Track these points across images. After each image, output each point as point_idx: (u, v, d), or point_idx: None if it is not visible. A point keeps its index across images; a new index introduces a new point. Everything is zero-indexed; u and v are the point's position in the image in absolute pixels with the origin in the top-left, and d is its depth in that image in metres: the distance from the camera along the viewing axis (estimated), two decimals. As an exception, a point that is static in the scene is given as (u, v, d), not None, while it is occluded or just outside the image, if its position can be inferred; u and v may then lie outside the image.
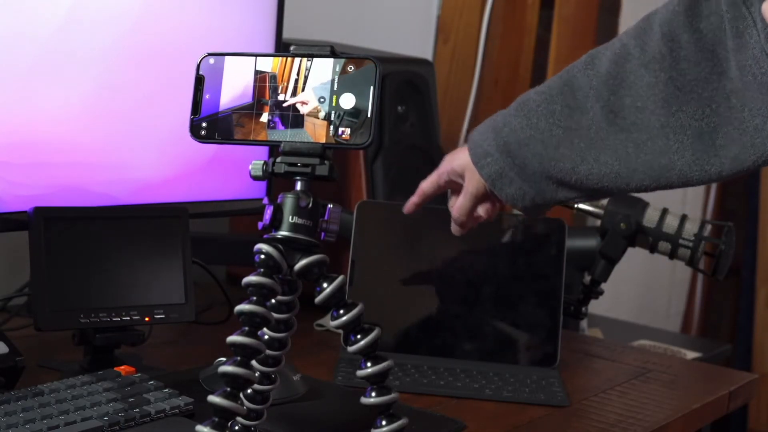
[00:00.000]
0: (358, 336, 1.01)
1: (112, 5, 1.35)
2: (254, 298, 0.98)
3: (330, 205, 1.02)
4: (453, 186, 1.36)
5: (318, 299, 1.01)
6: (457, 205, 1.35)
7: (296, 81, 1.02)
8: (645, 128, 1.17)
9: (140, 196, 1.41)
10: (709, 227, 1.59)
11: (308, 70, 1.02)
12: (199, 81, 1.04)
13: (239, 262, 1.71)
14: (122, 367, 1.23)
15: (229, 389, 0.96)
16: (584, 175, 1.21)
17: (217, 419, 0.95)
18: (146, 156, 1.42)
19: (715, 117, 1.13)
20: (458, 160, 1.33)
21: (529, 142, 1.23)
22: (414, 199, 1.40)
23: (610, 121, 1.18)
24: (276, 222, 1.01)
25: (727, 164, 1.14)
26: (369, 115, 1.00)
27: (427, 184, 1.38)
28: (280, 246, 1.00)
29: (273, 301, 1.02)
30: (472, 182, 1.30)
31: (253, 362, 0.99)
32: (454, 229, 1.38)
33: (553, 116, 1.22)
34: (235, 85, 1.03)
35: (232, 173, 1.51)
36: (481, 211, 1.35)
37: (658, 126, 1.16)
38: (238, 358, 0.96)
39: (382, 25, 2.21)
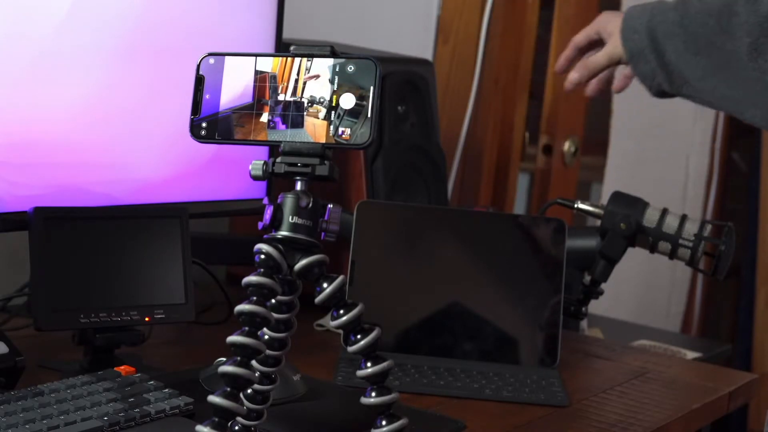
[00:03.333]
0: (358, 336, 1.01)
1: (113, 5, 1.35)
2: (254, 298, 0.98)
3: (330, 205, 1.02)
4: (600, 41, 1.47)
5: (318, 299, 1.01)
6: (592, 59, 1.47)
7: (296, 81, 1.02)
8: None
9: (140, 196, 1.41)
10: (709, 227, 1.59)
11: (308, 70, 1.02)
12: (199, 81, 1.04)
13: (239, 262, 1.72)
14: (122, 367, 1.23)
15: (229, 389, 0.96)
16: (709, 88, 1.32)
17: (217, 419, 0.95)
18: (146, 156, 1.42)
19: None
20: (611, 23, 1.44)
21: (674, 38, 1.33)
22: (567, 53, 1.53)
23: (752, 58, 1.27)
24: (276, 222, 1.01)
25: None
26: (369, 115, 1.00)
27: (579, 36, 1.51)
28: (280, 246, 1.00)
29: (273, 301, 1.02)
30: (614, 47, 1.42)
31: (253, 362, 0.99)
32: (572, 76, 1.50)
33: (705, 27, 1.31)
34: (235, 85, 1.03)
35: (232, 173, 1.51)
36: (604, 74, 1.48)
37: None
38: (238, 358, 0.96)
39: (382, 25, 2.21)
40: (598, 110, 2.83)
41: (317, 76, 1.02)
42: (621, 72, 1.51)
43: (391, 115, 1.72)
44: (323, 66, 1.02)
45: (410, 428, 1.03)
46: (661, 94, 1.42)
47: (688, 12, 1.34)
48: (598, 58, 1.47)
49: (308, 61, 1.02)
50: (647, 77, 1.39)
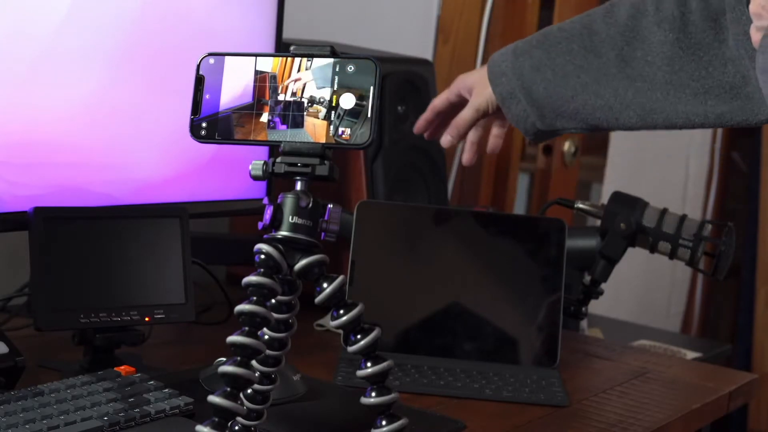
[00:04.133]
0: (358, 336, 1.01)
1: (113, 5, 1.35)
2: (254, 298, 0.98)
3: (330, 205, 1.02)
4: (462, 102, 1.47)
5: (318, 299, 1.01)
6: (459, 116, 1.46)
7: (296, 81, 1.02)
8: (649, 80, 1.28)
9: (140, 196, 1.41)
10: (709, 227, 1.59)
11: (308, 70, 1.02)
12: (199, 81, 1.04)
13: (239, 262, 1.72)
14: (122, 367, 1.23)
15: (229, 389, 0.96)
16: (581, 105, 1.33)
17: (217, 419, 0.95)
18: (146, 156, 1.42)
19: (710, 80, 1.25)
20: (470, 77, 1.45)
21: (542, 69, 1.35)
22: (426, 116, 1.51)
23: (620, 69, 1.30)
24: (276, 222, 1.01)
25: (711, 119, 1.27)
26: (369, 115, 1.00)
27: (438, 100, 1.50)
28: (280, 246, 1.00)
29: (273, 301, 1.02)
30: (480, 97, 1.42)
31: (253, 362, 0.99)
32: (444, 139, 1.48)
33: (570, 54, 1.34)
34: (235, 85, 1.03)
35: (232, 173, 1.51)
36: (474, 135, 1.47)
37: (662, 81, 1.28)
38: (238, 358, 0.97)
39: (382, 25, 2.21)
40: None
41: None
42: (492, 133, 1.50)
43: (391, 115, 1.72)
44: (323, 66, 1.02)
45: (410, 428, 1.03)
46: (537, 135, 1.42)
47: (550, 43, 1.36)
48: (464, 113, 1.45)
49: (308, 61, 1.02)
50: (520, 119, 1.40)
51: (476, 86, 1.43)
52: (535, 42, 1.39)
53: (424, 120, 1.50)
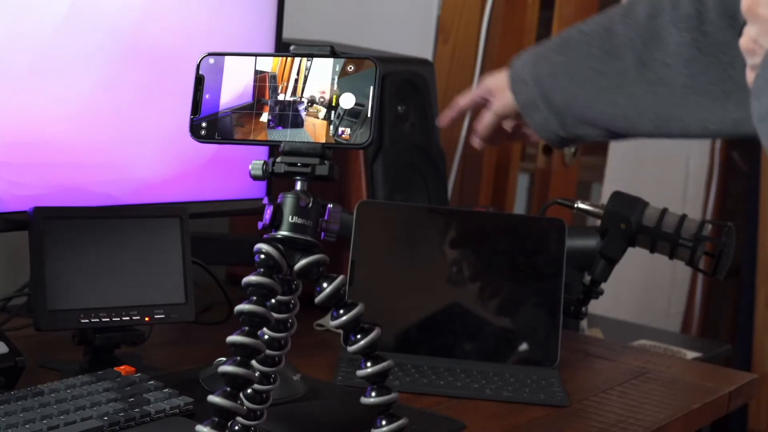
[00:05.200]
0: (358, 336, 1.01)
1: (112, 5, 1.35)
2: (254, 298, 0.98)
3: (330, 205, 1.02)
4: (485, 103, 1.46)
5: (318, 299, 1.01)
6: (483, 121, 1.46)
7: (296, 81, 1.02)
8: (669, 84, 1.24)
9: (140, 196, 1.41)
10: (709, 227, 1.59)
11: (308, 70, 1.02)
12: (199, 81, 1.04)
13: (239, 262, 1.71)
14: (122, 367, 1.23)
15: (229, 389, 0.96)
16: (598, 113, 1.30)
17: (217, 419, 0.95)
18: (146, 156, 1.42)
19: (731, 83, 1.19)
20: (494, 81, 1.43)
21: (560, 76, 1.32)
22: (450, 113, 1.52)
23: (640, 73, 1.26)
24: (276, 222, 1.01)
25: (727, 126, 1.21)
26: (369, 115, 1.00)
27: (463, 99, 1.50)
28: (280, 246, 1.00)
29: (273, 301, 1.02)
30: (501, 102, 1.41)
31: (253, 362, 0.99)
32: (475, 141, 1.50)
33: (590, 58, 1.30)
34: (235, 85, 1.03)
35: (232, 173, 1.51)
36: (507, 126, 1.45)
37: (681, 85, 1.23)
38: (238, 358, 0.97)
39: (382, 25, 2.21)
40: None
41: (317, 77, 1.02)
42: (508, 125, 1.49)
43: (391, 115, 1.72)
44: (323, 66, 1.02)
45: (410, 428, 1.03)
46: (561, 142, 1.40)
47: (571, 48, 1.33)
48: (486, 119, 1.45)
49: (308, 61, 1.02)
50: (542, 127, 1.37)
51: (498, 91, 1.42)
52: (555, 46, 1.36)
53: (448, 117, 1.53)
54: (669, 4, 1.24)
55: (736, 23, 1.17)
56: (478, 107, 1.48)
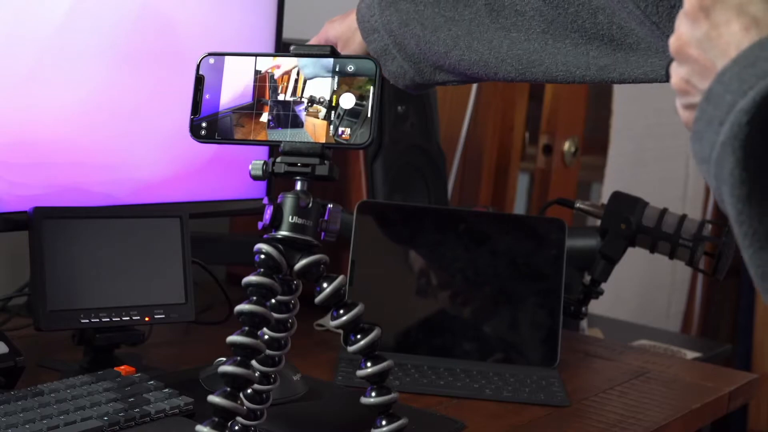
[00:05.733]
0: (358, 336, 1.01)
1: (112, 5, 1.35)
2: (254, 298, 0.98)
3: (330, 205, 1.02)
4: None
5: (318, 299, 1.01)
6: None
7: (296, 81, 1.02)
8: (524, 30, 1.21)
9: (140, 196, 1.41)
10: (709, 227, 1.59)
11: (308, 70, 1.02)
12: (199, 81, 1.04)
13: (239, 262, 1.71)
14: (122, 367, 1.23)
15: (229, 389, 0.96)
16: (456, 60, 1.25)
17: (217, 419, 0.95)
18: (146, 156, 1.42)
19: (590, 32, 1.17)
20: (333, 30, 1.34)
21: (410, 24, 1.26)
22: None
23: (492, 18, 1.22)
24: (276, 222, 1.01)
25: (593, 71, 1.19)
26: (369, 115, 1.00)
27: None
28: (280, 246, 1.00)
29: (273, 301, 1.02)
30: (351, 50, 1.31)
31: (253, 362, 0.99)
32: None
33: (438, 5, 1.25)
34: (235, 85, 1.03)
35: (232, 173, 1.51)
36: None
37: (538, 31, 1.20)
38: (238, 358, 0.97)
39: (382, 25, 2.21)
40: (598, 110, 2.83)
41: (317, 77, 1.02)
42: None
43: (391, 115, 1.72)
44: (323, 66, 1.02)
45: (410, 428, 1.03)
46: (418, 88, 1.35)
47: None
48: None
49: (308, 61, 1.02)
50: (398, 75, 1.32)
51: (340, 39, 1.33)
52: None
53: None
54: None
55: None
56: None
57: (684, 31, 0.81)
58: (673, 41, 0.83)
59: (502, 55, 1.23)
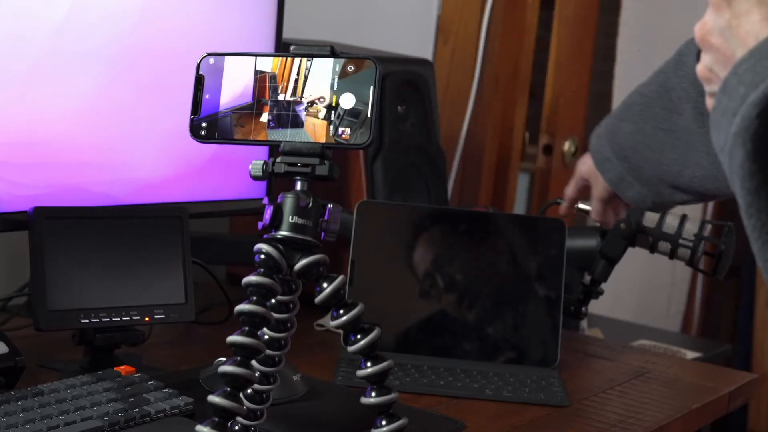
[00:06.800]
0: (358, 336, 1.01)
1: (112, 5, 1.35)
2: (254, 298, 0.98)
3: (330, 205, 1.02)
4: (588, 187, 1.44)
5: (318, 299, 1.01)
6: (593, 209, 1.44)
7: (296, 81, 1.02)
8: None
9: (140, 196, 1.41)
10: (709, 227, 1.59)
11: (308, 70, 1.02)
12: (199, 81, 1.04)
13: (239, 262, 1.71)
14: (122, 367, 1.23)
15: (229, 389, 0.96)
16: (689, 178, 1.24)
17: (217, 419, 0.95)
18: (146, 156, 1.42)
19: None
20: (584, 165, 1.40)
21: (639, 148, 1.27)
22: (565, 205, 1.51)
23: (700, 123, 1.20)
24: (276, 222, 1.01)
25: None
26: (369, 115, 1.00)
27: (569, 190, 1.49)
28: (280, 246, 1.00)
29: (273, 301, 1.02)
30: (597, 187, 1.38)
31: (253, 362, 0.99)
32: (602, 223, 1.46)
33: (655, 120, 1.25)
34: (235, 85, 1.03)
35: (232, 173, 1.51)
36: (614, 207, 1.42)
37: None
38: (238, 358, 0.97)
39: (382, 25, 2.21)
40: (599, 110, 2.82)
41: (317, 77, 1.02)
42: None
43: (391, 115, 1.72)
44: (323, 66, 1.02)
45: (410, 428, 1.03)
46: (661, 207, 1.39)
47: (635, 113, 1.29)
48: (593, 206, 1.42)
49: (308, 61, 1.02)
50: (638, 201, 1.33)
51: (591, 176, 1.39)
52: (620, 113, 1.32)
53: (565, 209, 1.52)
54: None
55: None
56: (585, 189, 1.45)
57: (708, 19, 0.81)
58: (698, 29, 0.83)
59: (697, 159, 1.21)
